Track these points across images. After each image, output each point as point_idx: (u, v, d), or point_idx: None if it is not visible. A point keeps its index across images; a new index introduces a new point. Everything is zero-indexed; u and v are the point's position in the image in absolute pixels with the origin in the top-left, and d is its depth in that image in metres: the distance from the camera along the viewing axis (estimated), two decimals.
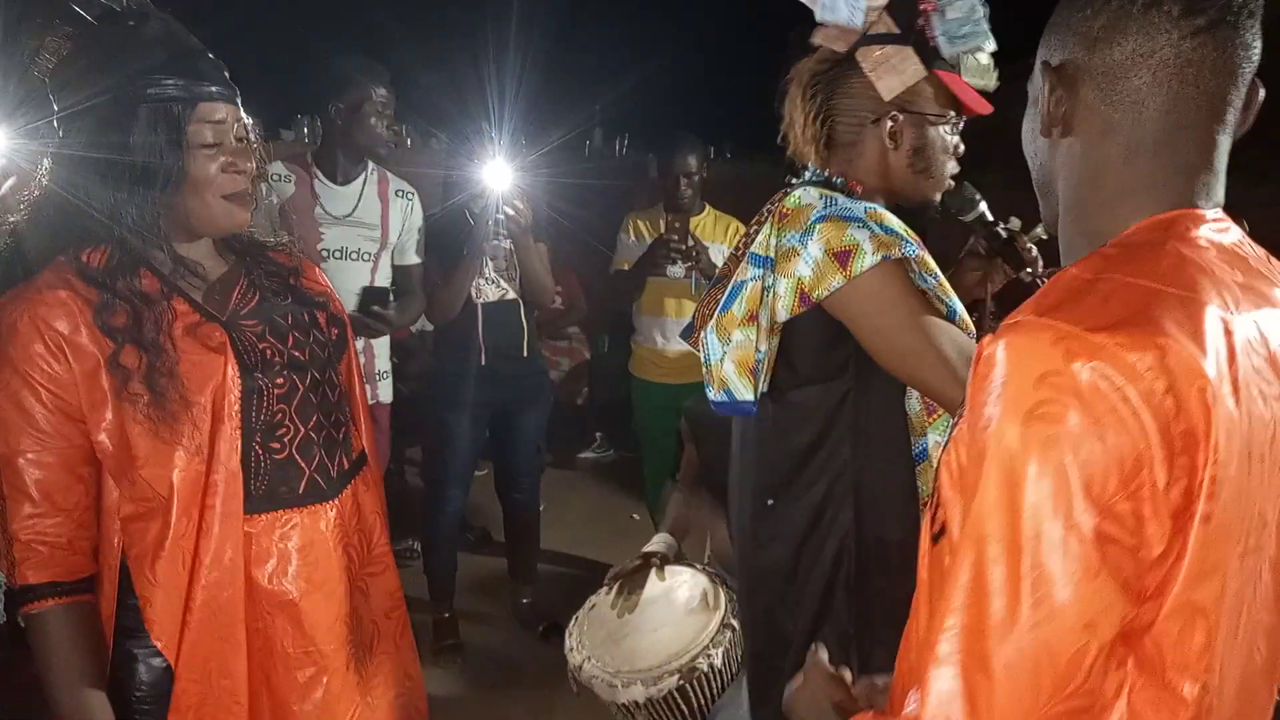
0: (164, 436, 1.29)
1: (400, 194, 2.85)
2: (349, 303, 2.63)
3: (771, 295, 1.46)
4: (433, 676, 3.07)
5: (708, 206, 3.40)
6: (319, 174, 2.70)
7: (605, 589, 2.23)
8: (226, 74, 1.37)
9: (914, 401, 1.51)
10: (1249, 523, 0.70)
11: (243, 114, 1.39)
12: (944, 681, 0.70)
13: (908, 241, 1.42)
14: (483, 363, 3.10)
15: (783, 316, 1.46)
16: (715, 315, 1.55)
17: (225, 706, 1.36)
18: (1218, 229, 0.81)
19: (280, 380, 1.42)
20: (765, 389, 1.52)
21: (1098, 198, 0.85)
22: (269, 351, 1.42)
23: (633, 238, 3.42)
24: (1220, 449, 0.67)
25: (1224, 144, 0.82)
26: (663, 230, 3.24)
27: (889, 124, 1.51)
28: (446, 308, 2.99)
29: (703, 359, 1.59)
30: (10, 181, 1.62)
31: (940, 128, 1.52)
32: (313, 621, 1.42)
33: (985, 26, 1.47)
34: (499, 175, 2.84)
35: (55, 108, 1.31)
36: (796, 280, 1.43)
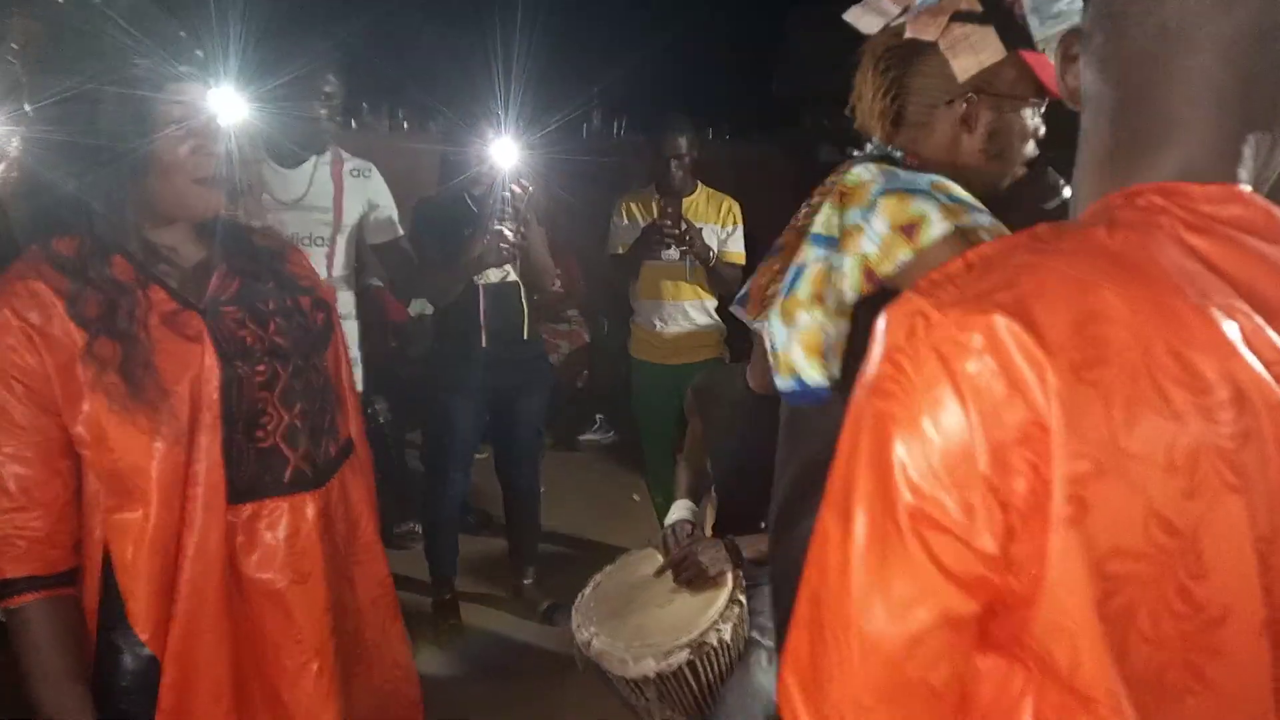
0: (142, 427, 1.27)
1: (356, 173, 2.77)
2: None
3: (838, 275, 1.41)
4: (434, 658, 3.09)
5: (700, 185, 3.39)
6: (268, 159, 2.60)
7: (612, 566, 2.24)
8: (200, 54, 1.34)
9: None
10: (1149, 536, 0.61)
11: (214, 95, 1.36)
12: (795, 639, 0.70)
13: (978, 210, 1.36)
14: (483, 345, 3.09)
15: (850, 297, 1.39)
16: (779, 300, 1.49)
17: (212, 696, 1.35)
18: (1205, 205, 0.70)
19: (262, 367, 1.39)
20: (837, 375, 1.43)
21: (1083, 168, 0.80)
22: (249, 338, 1.39)
23: (625, 220, 3.41)
24: (1081, 448, 0.60)
25: (1233, 116, 0.71)
26: (655, 212, 3.25)
27: (963, 106, 1.44)
28: (448, 290, 2.98)
29: (768, 347, 1.53)
30: None
31: (1021, 111, 1.45)
32: (300, 610, 1.40)
33: (1080, 4, 1.41)
34: (504, 155, 2.82)
35: (24, 91, 1.28)
36: (862, 257, 1.37)
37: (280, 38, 2.54)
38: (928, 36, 1.43)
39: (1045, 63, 1.42)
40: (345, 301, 2.75)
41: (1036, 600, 0.62)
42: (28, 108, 1.28)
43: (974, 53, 1.43)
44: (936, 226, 1.32)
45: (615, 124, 6.75)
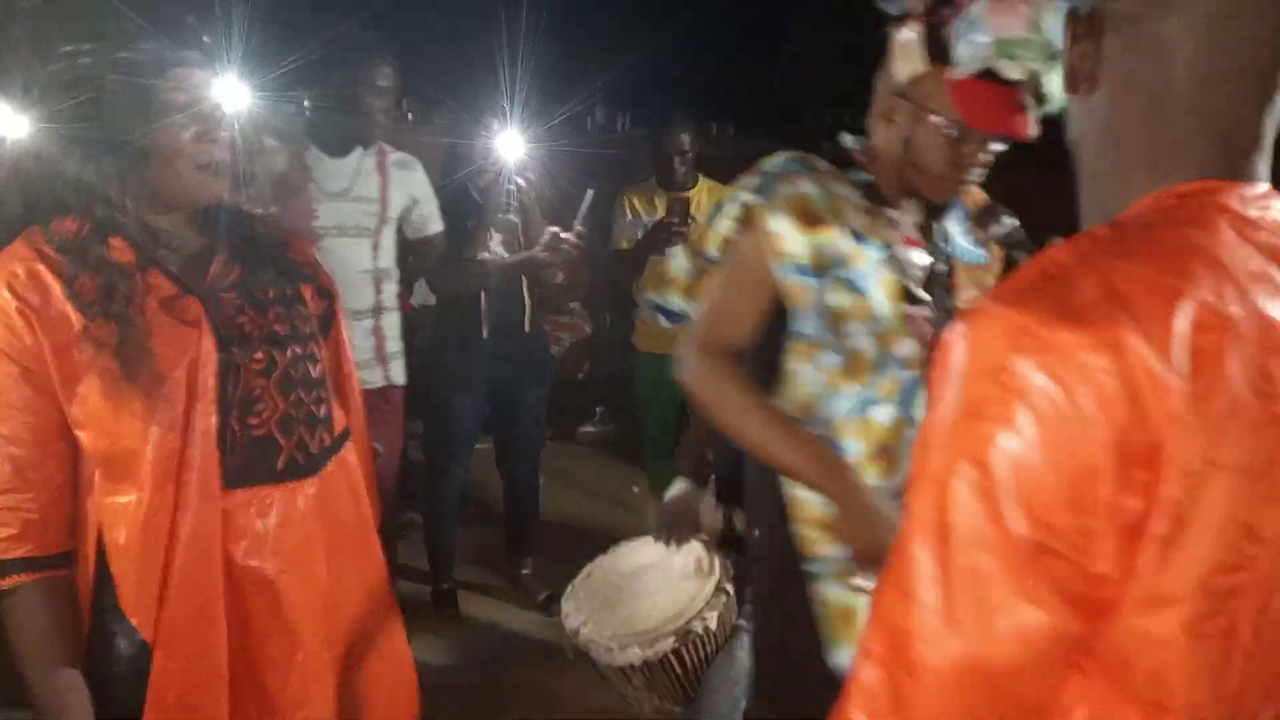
0: (136, 411, 1.27)
1: (400, 165, 2.76)
2: (349, 282, 2.57)
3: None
4: (432, 648, 3.10)
5: (701, 179, 3.39)
6: (313, 147, 2.57)
7: (604, 556, 2.25)
8: (206, 39, 1.34)
9: (813, 367, 1.53)
10: (1239, 548, 0.61)
11: (220, 82, 1.36)
12: (869, 676, 0.66)
13: (778, 205, 1.47)
14: (485, 337, 3.10)
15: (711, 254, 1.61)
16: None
17: (206, 683, 1.35)
18: (1254, 205, 0.69)
19: (259, 355, 1.39)
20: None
21: (1115, 163, 0.75)
22: (247, 325, 1.39)
23: (628, 215, 3.41)
24: (1186, 464, 0.59)
25: (1273, 109, 0.71)
26: (658, 207, 3.25)
27: (889, 105, 1.50)
28: (454, 282, 2.99)
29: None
30: None
31: (932, 124, 1.45)
32: (289, 599, 1.40)
33: (1025, 51, 1.34)
34: (510, 147, 2.83)
35: (29, 73, 1.29)
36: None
37: (303, 28, 2.54)
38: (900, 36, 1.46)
39: (968, 89, 1.41)
40: (389, 293, 2.75)
41: (1125, 612, 0.61)
42: (34, 90, 1.28)
43: (906, 58, 1.45)
44: (732, 206, 1.53)
45: (619, 118, 6.75)
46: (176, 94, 1.29)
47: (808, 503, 1.53)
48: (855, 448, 1.51)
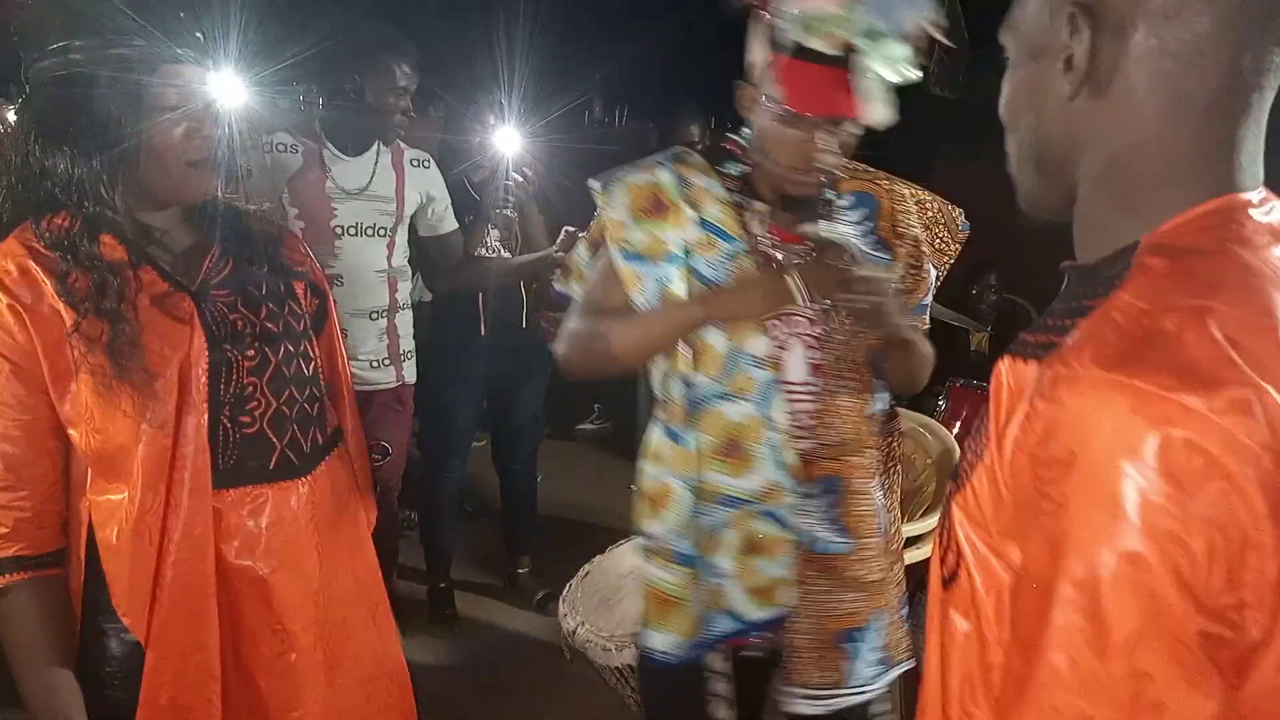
0: (127, 409, 1.26)
1: (416, 163, 2.72)
2: (365, 281, 2.59)
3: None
4: (429, 646, 3.09)
5: None
6: (330, 145, 2.55)
7: (601, 556, 2.25)
8: (199, 35, 1.33)
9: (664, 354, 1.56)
10: None
11: (212, 77, 1.34)
12: None
13: (612, 208, 1.52)
14: (483, 333, 3.09)
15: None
16: None
17: (198, 681, 1.34)
18: (1266, 214, 0.68)
19: (251, 352, 1.38)
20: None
21: (1138, 177, 0.71)
22: (240, 322, 1.38)
23: None
24: None
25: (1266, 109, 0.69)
26: None
27: (742, 95, 1.49)
28: (477, 281, 2.99)
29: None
30: None
31: (771, 112, 1.42)
32: (281, 599, 1.39)
33: (835, 27, 1.33)
34: (508, 142, 2.81)
35: (23, 68, 1.27)
36: None
37: (315, 25, 2.52)
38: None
39: (796, 70, 1.37)
40: (403, 292, 2.74)
41: (1262, 671, 0.59)
42: (26, 86, 1.27)
43: (756, 47, 1.45)
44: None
45: (616, 112, 6.74)
46: (168, 90, 1.28)
47: (645, 472, 1.58)
48: (697, 439, 1.51)
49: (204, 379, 1.32)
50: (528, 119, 3.01)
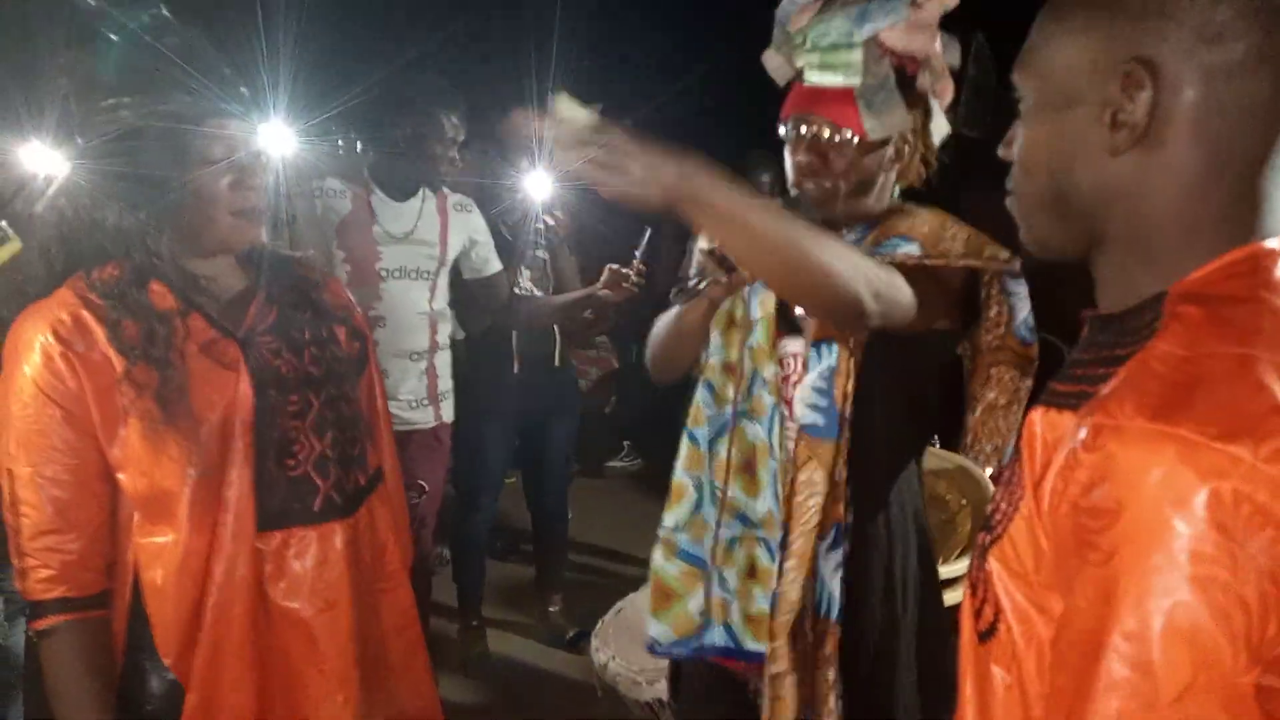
0: (175, 454, 1.29)
1: (459, 207, 2.79)
2: (407, 323, 2.65)
3: None
4: (459, 685, 3.09)
5: None
6: (378, 190, 2.62)
7: (636, 593, 2.25)
8: (244, 90, 1.37)
9: (708, 370, 1.60)
10: None
11: (259, 130, 1.39)
12: None
13: None
14: (516, 371, 3.11)
15: None
16: None
17: None
18: None
19: (295, 397, 1.41)
20: None
21: (1172, 227, 0.71)
22: (284, 367, 1.41)
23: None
24: None
25: None
26: None
27: None
28: (527, 321, 3.02)
29: None
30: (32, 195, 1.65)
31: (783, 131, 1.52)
32: (325, 639, 1.40)
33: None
34: (538, 186, 2.85)
35: (74, 124, 1.31)
36: None
37: (363, 73, 2.59)
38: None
39: (791, 92, 1.47)
40: (443, 334, 2.79)
41: None
42: (78, 139, 1.31)
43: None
44: None
45: None
46: (214, 144, 1.32)
47: (675, 467, 1.62)
48: (729, 453, 1.55)
49: (249, 424, 1.35)
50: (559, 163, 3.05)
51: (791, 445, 1.48)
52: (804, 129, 1.46)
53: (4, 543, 1.33)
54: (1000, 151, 0.84)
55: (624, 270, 2.68)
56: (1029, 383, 1.53)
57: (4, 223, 1.38)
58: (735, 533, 1.55)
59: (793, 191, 1.51)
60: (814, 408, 1.43)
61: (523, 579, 3.67)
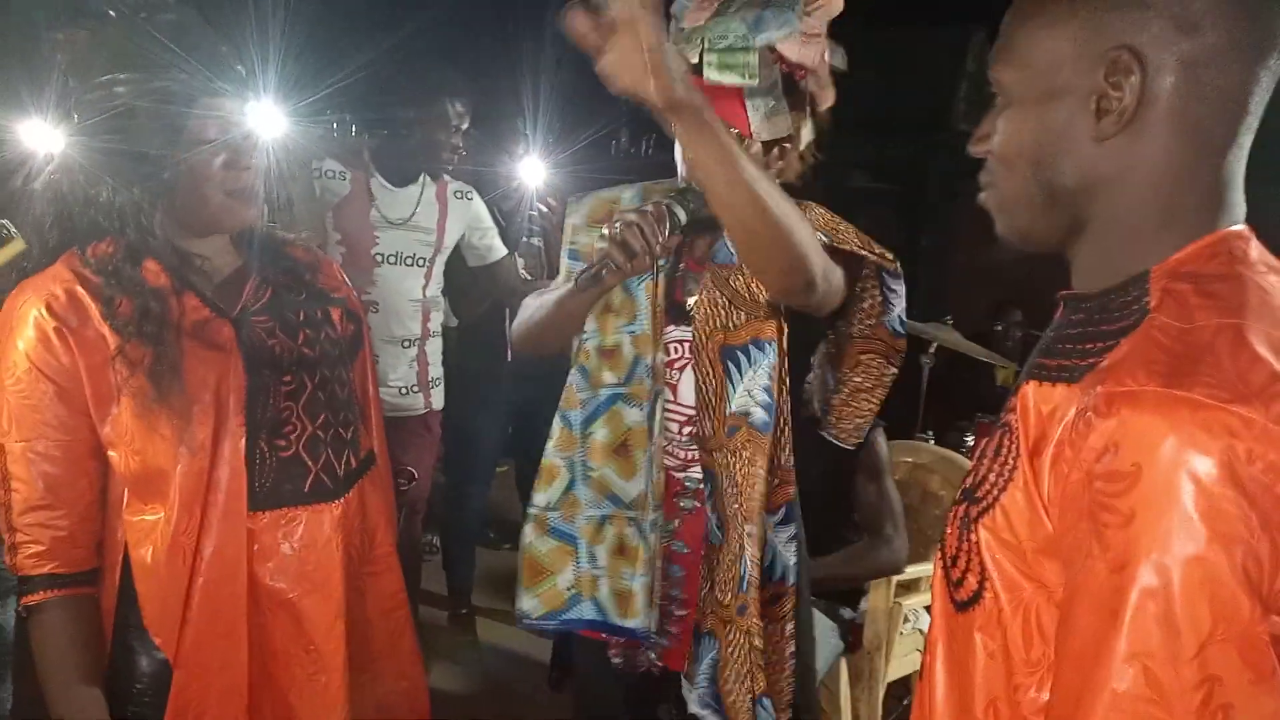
0: (166, 432, 1.29)
1: (459, 195, 2.79)
2: (400, 310, 2.65)
3: None
4: (448, 672, 3.09)
5: None
6: (377, 174, 2.62)
7: None
8: (240, 68, 1.36)
9: (584, 352, 1.64)
10: None
11: (254, 110, 1.38)
12: None
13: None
14: (508, 359, 3.11)
15: None
16: None
17: (226, 701, 1.35)
18: (1255, 247, 0.73)
19: (288, 377, 1.41)
20: None
21: (1154, 209, 0.74)
22: (278, 348, 1.41)
23: None
24: None
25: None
26: None
27: None
28: (476, 305, 3.00)
29: None
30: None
31: None
32: (312, 620, 1.40)
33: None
34: (532, 172, 2.85)
35: (69, 101, 1.31)
36: None
37: (362, 57, 2.58)
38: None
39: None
40: (435, 321, 2.80)
41: None
42: (74, 116, 1.31)
43: None
44: None
45: (643, 142, 6.78)
46: (208, 123, 1.32)
47: (545, 449, 1.65)
48: (603, 434, 1.60)
49: (241, 403, 1.35)
50: (554, 149, 3.05)
51: (676, 428, 1.59)
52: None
53: None
54: (971, 148, 0.86)
55: None
56: (894, 371, 1.66)
57: (7, 221, 1.37)
58: (606, 512, 1.60)
59: (681, 184, 1.53)
60: (762, 405, 1.50)
61: (513, 568, 3.67)
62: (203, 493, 1.32)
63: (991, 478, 0.77)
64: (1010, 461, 0.75)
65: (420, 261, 2.69)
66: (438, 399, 2.83)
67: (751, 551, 1.49)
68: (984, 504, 0.76)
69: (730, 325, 1.51)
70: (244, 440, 1.35)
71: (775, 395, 1.50)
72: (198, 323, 1.34)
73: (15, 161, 1.57)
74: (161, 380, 1.28)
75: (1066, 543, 0.67)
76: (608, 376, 1.60)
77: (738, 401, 1.51)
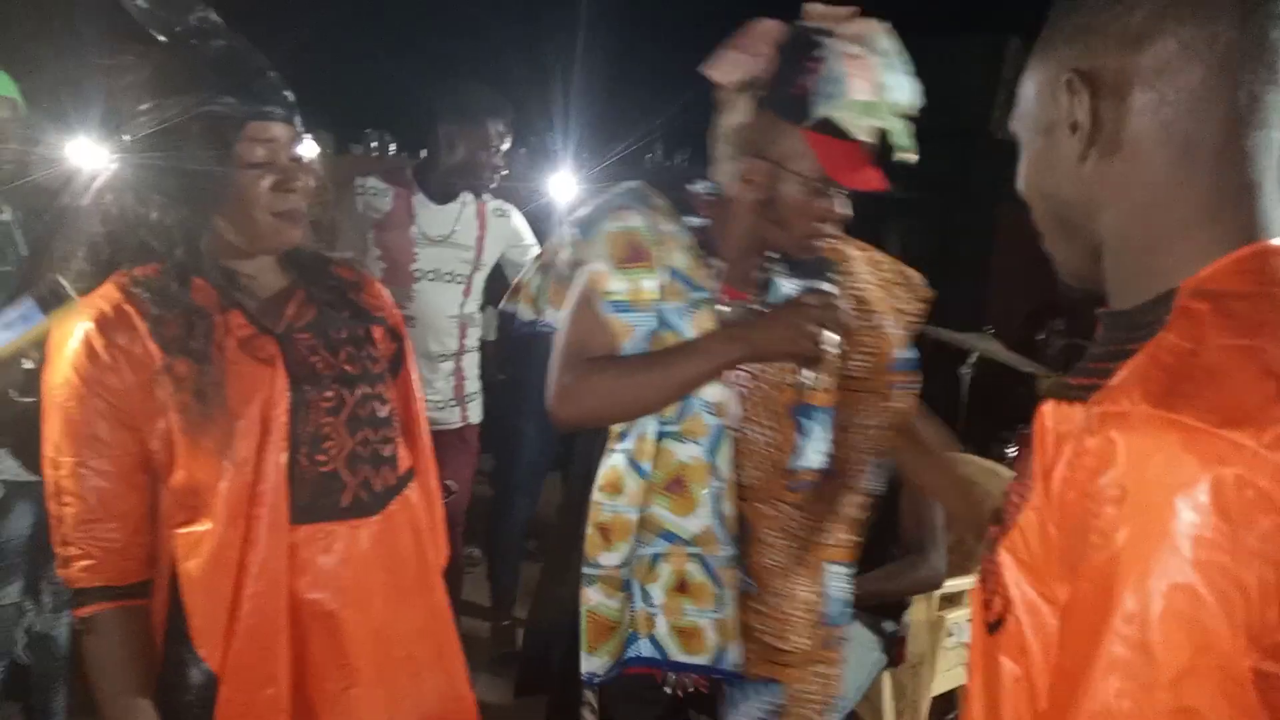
0: (211, 447, 1.31)
1: (498, 213, 2.83)
2: (438, 326, 2.69)
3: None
4: (490, 684, 3.09)
5: None
6: (419, 192, 2.67)
7: None
8: (287, 94, 1.39)
9: None
10: None
11: (300, 132, 1.41)
12: None
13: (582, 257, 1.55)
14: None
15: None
16: None
17: (268, 715, 1.37)
18: None
19: (330, 393, 1.43)
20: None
21: (1160, 227, 0.73)
22: (320, 364, 1.43)
23: None
24: None
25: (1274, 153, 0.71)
26: None
27: (744, 164, 1.51)
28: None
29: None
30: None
31: (801, 185, 1.48)
32: (347, 634, 1.41)
33: (878, 113, 1.42)
34: (564, 187, 2.87)
35: (119, 123, 1.34)
36: None
37: (409, 79, 2.62)
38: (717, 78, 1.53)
39: (829, 145, 1.44)
40: (472, 337, 2.84)
41: None
42: (124, 138, 1.34)
43: (732, 110, 1.51)
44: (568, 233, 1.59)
45: (678, 156, 6.80)
46: (255, 146, 1.34)
47: (600, 505, 1.57)
48: (647, 469, 1.55)
49: (284, 419, 1.37)
50: (587, 163, 3.07)
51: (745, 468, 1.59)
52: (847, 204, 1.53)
53: (50, 533, 1.36)
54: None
55: None
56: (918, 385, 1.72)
57: (65, 282, 1.40)
58: (659, 550, 1.58)
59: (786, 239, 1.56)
60: (827, 455, 1.60)
61: None
62: (247, 506, 1.34)
63: (1014, 499, 0.76)
64: (1028, 482, 0.74)
65: (459, 279, 2.73)
66: (474, 413, 2.86)
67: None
68: (1005, 525, 0.76)
69: None
70: (285, 454, 1.37)
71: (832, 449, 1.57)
72: (243, 340, 1.37)
73: (66, 180, 1.61)
74: (206, 396, 1.30)
75: (1066, 565, 0.67)
76: (651, 418, 1.55)
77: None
